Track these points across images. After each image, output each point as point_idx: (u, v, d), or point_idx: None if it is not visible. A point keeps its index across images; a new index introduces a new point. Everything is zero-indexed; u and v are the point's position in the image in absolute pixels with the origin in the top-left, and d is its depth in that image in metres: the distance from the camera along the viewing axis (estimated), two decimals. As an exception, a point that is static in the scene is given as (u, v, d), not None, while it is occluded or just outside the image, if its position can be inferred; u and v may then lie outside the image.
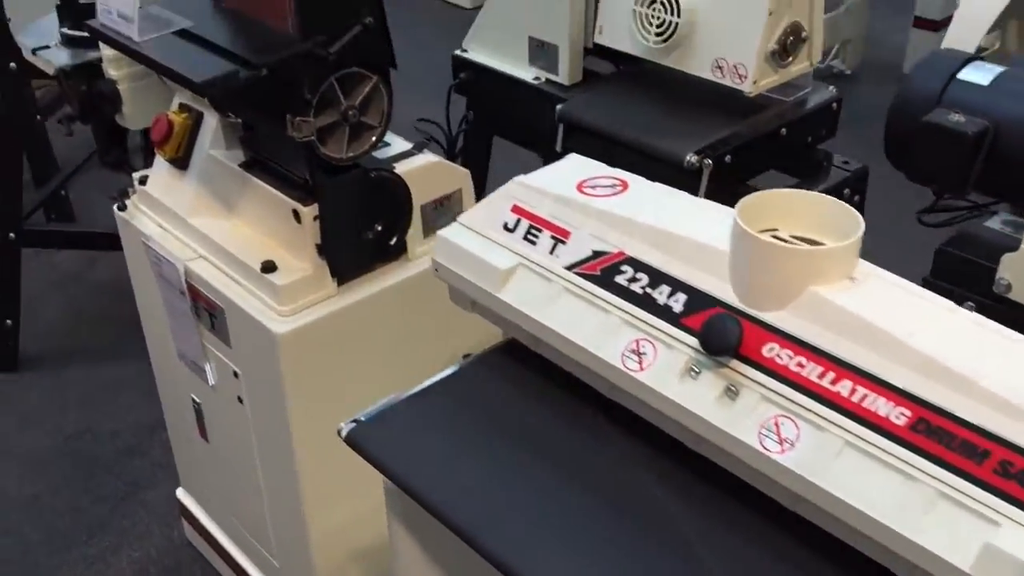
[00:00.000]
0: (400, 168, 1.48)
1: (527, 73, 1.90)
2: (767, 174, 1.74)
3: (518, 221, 1.07)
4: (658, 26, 1.66)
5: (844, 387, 0.82)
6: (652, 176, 1.74)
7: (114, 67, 1.61)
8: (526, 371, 1.11)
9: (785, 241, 0.92)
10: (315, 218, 1.40)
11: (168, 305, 1.65)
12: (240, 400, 1.57)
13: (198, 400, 1.73)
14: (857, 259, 0.88)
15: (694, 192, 1.64)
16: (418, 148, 1.53)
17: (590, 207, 1.03)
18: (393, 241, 1.49)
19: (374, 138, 1.42)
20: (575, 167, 1.12)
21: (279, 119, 1.33)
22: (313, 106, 1.32)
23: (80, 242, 2.49)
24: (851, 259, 0.88)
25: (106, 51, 1.60)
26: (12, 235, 2.41)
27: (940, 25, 3.69)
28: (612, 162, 1.81)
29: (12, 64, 2.19)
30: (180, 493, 2.03)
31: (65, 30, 1.64)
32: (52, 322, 2.77)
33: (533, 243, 1.05)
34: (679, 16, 1.63)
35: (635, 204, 1.03)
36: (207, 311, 1.55)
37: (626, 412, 1.00)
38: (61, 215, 2.88)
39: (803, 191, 0.93)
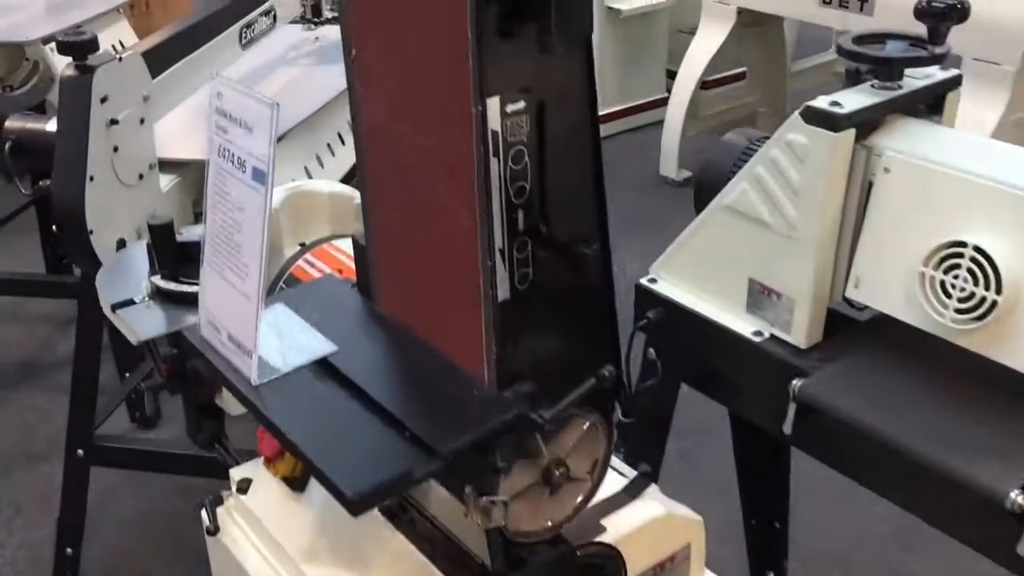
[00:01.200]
0: (612, 530, 1.01)
1: (744, 324, 1.42)
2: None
3: None
4: (960, 300, 1.19)
5: None
6: (939, 503, 1.25)
7: (215, 342, 1.19)
8: None
9: None
10: (495, 623, 0.94)
11: (266, 661, 1.20)
12: None
13: None
14: None
15: (1011, 541, 1.15)
16: (633, 491, 1.06)
17: None
18: (595, 633, 1.02)
19: (581, 497, 0.97)
20: None
21: (453, 487, 0.89)
22: (505, 474, 0.88)
23: (160, 464, 2.09)
24: None
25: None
26: (81, 452, 2.02)
27: None
28: (870, 471, 1.33)
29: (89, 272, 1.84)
30: None
31: (157, 280, 1.23)
32: (120, 528, 2.36)
33: None
34: (998, 292, 1.15)
35: None
36: None
37: None
38: (140, 402, 2.50)
39: None
